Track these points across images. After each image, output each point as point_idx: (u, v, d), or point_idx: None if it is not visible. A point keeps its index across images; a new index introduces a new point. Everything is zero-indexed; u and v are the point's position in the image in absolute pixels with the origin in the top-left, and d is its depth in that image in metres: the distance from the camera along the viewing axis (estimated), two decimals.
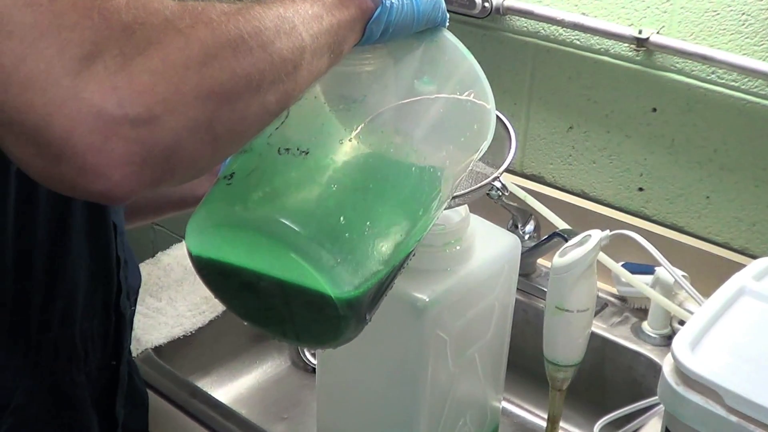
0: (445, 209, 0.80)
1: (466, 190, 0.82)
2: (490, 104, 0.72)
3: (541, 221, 1.13)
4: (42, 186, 0.64)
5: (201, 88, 0.45)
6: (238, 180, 0.58)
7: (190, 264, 1.29)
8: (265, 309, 0.64)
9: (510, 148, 0.87)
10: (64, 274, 0.69)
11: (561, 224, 1.02)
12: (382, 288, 0.62)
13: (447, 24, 0.70)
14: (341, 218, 0.59)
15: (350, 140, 0.63)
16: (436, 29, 0.69)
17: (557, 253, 0.88)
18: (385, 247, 0.61)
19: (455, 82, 0.71)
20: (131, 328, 0.80)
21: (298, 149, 0.60)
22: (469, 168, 0.73)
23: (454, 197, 0.80)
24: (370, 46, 0.63)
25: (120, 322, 0.75)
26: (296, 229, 0.56)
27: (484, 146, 0.73)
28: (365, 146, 0.63)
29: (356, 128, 0.63)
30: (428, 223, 0.67)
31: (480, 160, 0.87)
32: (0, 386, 0.67)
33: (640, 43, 1.08)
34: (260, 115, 0.50)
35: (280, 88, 0.51)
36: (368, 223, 0.61)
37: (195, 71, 0.45)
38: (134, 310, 0.80)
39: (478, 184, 0.84)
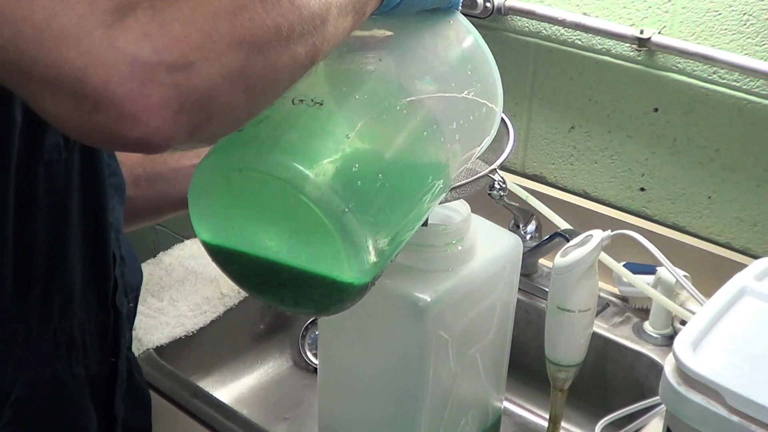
0: (443, 201, 0.81)
1: (466, 181, 0.82)
2: (499, 93, 0.73)
3: (542, 221, 1.13)
4: (41, 184, 0.65)
5: (232, 36, 0.46)
6: (249, 127, 0.57)
7: (192, 264, 1.30)
8: (266, 271, 0.63)
9: (508, 140, 0.88)
10: (62, 270, 0.69)
11: (562, 224, 1.02)
12: (389, 250, 0.62)
13: (459, 7, 0.72)
14: (354, 167, 0.59)
15: (366, 97, 0.63)
16: (449, 12, 0.71)
17: (559, 253, 0.88)
18: (394, 205, 0.61)
19: (468, 66, 0.72)
20: (131, 326, 0.80)
21: (312, 100, 0.60)
22: (471, 160, 0.73)
23: (453, 189, 0.81)
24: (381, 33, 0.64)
25: (117, 318, 0.75)
26: (307, 172, 0.56)
27: (488, 140, 0.74)
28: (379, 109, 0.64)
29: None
30: (437, 195, 0.67)
31: (481, 159, 0.87)
32: (0, 378, 0.67)
33: (642, 43, 1.08)
34: (291, 67, 0.51)
35: (309, 41, 0.52)
36: (380, 176, 0.61)
37: (225, 21, 0.46)
38: (133, 307, 0.81)
39: (477, 175, 0.84)
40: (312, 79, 0.60)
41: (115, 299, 0.75)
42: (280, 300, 0.65)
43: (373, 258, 0.59)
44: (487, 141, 0.75)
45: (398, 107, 0.65)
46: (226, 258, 0.64)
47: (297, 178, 0.56)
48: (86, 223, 0.70)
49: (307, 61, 0.53)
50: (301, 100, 0.60)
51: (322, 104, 0.60)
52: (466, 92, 0.71)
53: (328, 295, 0.62)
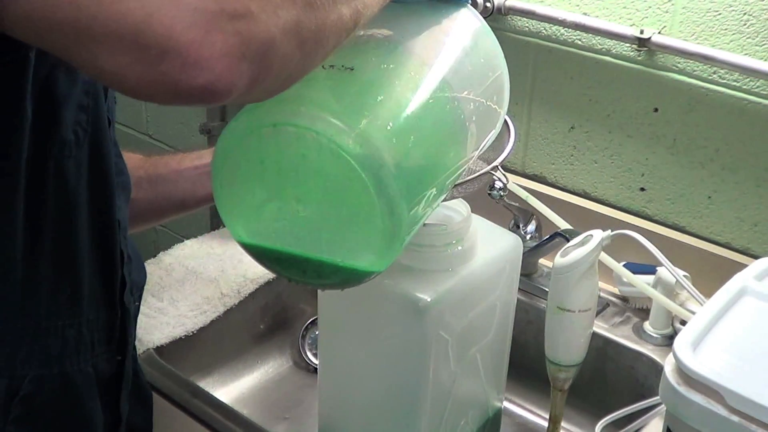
0: (446, 199, 0.81)
1: (467, 178, 0.82)
2: (506, 87, 0.76)
3: (542, 221, 1.13)
4: (51, 180, 0.65)
5: None
6: None
7: (192, 264, 1.30)
8: (296, 239, 0.63)
9: (509, 138, 0.88)
10: (70, 266, 0.70)
11: (562, 224, 1.02)
12: (417, 217, 0.63)
13: (470, 1, 0.76)
14: (388, 125, 0.60)
15: (392, 66, 0.64)
16: (460, 3, 0.74)
17: (559, 253, 0.88)
18: (424, 171, 0.63)
19: (481, 53, 0.74)
20: (135, 324, 0.80)
21: (342, 66, 0.62)
22: (478, 153, 0.74)
23: (454, 186, 0.81)
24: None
25: (124, 316, 0.76)
26: (344, 127, 0.57)
27: (494, 134, 0.76)
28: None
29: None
30: (458, 173, 0.69)
31: (481, 158, 0.87)
32: (9, 375, 0.67)
33: (642, 43, 1.08)
34: (337, 27, 0.54)
35: (353, 5, 0.55)
36: (412, 138, 0.62)
37: None
38: (138, 305, 0.81)
39: (479, 172, 0.84)
40: (341, 51, 0.61)
41: (123, 297, 0.75)
42: (302, 272, 0.65)
43: (404, 220, 0.60)
44: (493, 135, 0.76)
45: (423, 79, 0.66)
46: (246, 219, 0.64)
47: (335, 132, 0.57)
48: (94, 220, 0.71)
49: (351, 23, 0.55)
50: (332, 66, 0.61)
51: (352, 69, 0.62)
52: (479, 77, 0.72)
53: (356, 264, 0.62)
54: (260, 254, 0.65)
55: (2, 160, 0.62)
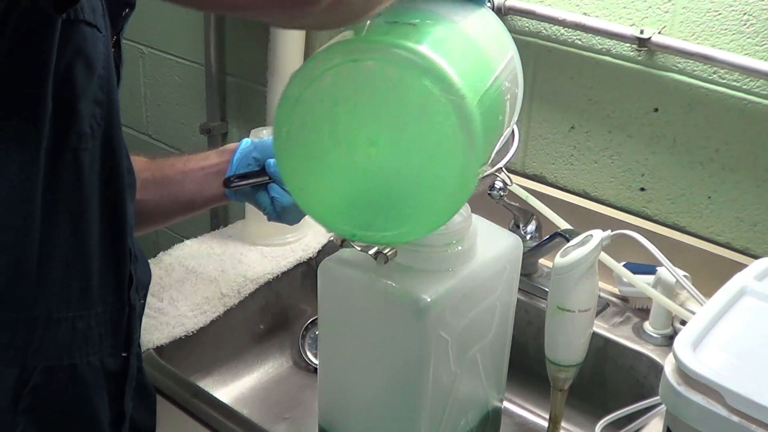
0: None
1: None
2: (521, 85, 0.78)
3: (542, 221, 1.14)
4: (67, 172, 0.66)
5: None
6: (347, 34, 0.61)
7: (192, 264, 1.29)
8: (364, 187, 0.64)
9: (513, 139, 0.88)
10: (81, 258, 0.70)
11: (562, 224, 1.02)
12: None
13: (487, 3, 0.78)
14: (462, 68, 0.61)
15: (447, 28, 0.66)
16: (480, 2, 0.76)
17: (559, 253, 0.89)
18: (488, 111, 0.65)
19: (504, 47, 0.77)
20: (140, 322, 0.81)
21: (405, 22, 0.64)
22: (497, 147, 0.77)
23: None
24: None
25: (131, 312, 0.76)
26: (422, 62, 0.59)
27: (508, 132, 0.77)
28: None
29: None
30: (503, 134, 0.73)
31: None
32: (21, 364, 0.68)
33: (642, 43, 1.08)
34: None
35: None
36: (479, 85, 0.64)
37: None
38: (143, 304, 0.82)
39: (484, 173, 0.84)
40: (398, 6, 0.63)
41: (129, 294, 0.75)
42: (365, 226, 0.65)
43: (480, 155, 0.61)
44: (508, 132, 0.78)
45: (473, 44, 0.69)
46: (318, 167, 0.65)
47: (419, 66, 0.59)
48: (105, 213, 0.71)
49: None
50: (395, 21, 0.63)
51: (415, 25, 0.64)
52: (506, 66, 0.75)
53: (434, 197, 0.63)
54: (326, 210, 0.66)
55: (23, 152, 0.63)
